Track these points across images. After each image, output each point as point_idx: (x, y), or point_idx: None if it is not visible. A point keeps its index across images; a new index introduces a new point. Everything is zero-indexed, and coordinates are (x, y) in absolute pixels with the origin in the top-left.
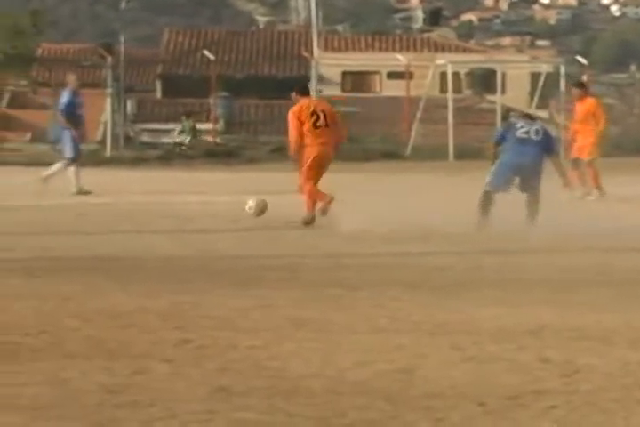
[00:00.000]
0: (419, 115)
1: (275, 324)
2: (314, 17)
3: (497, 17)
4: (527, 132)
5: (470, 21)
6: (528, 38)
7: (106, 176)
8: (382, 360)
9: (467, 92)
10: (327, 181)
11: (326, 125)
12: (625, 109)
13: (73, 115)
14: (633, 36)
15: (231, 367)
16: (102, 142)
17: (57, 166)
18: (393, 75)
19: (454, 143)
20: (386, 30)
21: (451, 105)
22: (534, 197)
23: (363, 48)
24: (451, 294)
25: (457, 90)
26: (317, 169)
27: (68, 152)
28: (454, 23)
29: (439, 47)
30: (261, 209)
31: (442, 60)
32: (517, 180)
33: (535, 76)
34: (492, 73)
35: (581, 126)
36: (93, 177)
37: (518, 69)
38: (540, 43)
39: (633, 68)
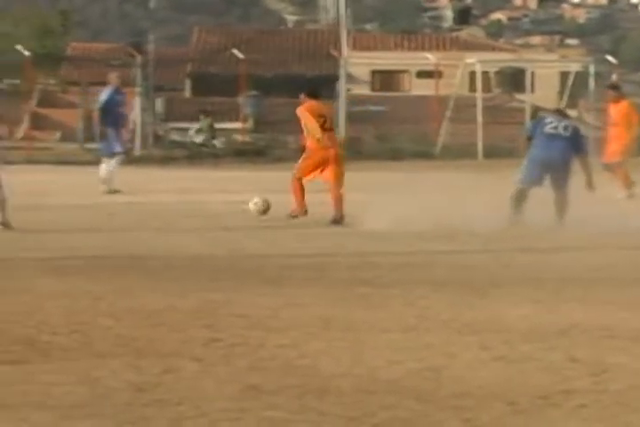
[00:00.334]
0: (448, 114)
1: (304, 323)
2: (343, 16)
3: (526, 16)
4: (556, 128)
5: (499, 20)
6: (557, 37)
7: (135, 175)
8: (412, 359)
9: (496, 91)
10: (357, 180)
11: (330, 129)
12: None
13: (112, 112)
14: None
15: (261, 366)
16: (131, 141)
17: (111, 165)
18: (422, 74)
19: (483, 142)
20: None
21: (480, 104)
22: (562, 194)
23: (392, 47)
24: (480, 292)
25: (486, 89)
26: (314, 167)
27: (117, 147)
28: (483, 22)
29: (468, 46)
30: (265, 208)
31: (471, 59)
32: (547, 176)
33: (564, 76)
34: (521, 72)
35: (616, 129)
36: (123, 176)
37: (547, 68)
38: (570, 42)
39: None
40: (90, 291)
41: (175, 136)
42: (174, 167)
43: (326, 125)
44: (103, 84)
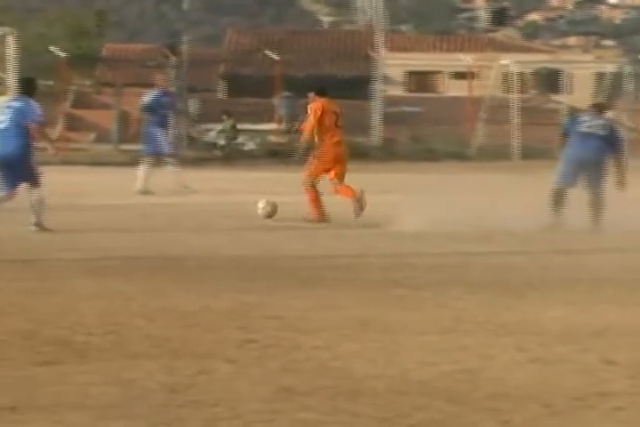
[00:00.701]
0: (483, 115)
1: (338, 324)
2: (379, 17)
3: (562, 17)
4: (591, 127)
5: (535, 21)
6: (593, 38)
7: (169, 176)
8: (446, 361)
9: (532, 92)
10: (392, 181)
11: (341, 126)
12: None
13: (158, 114)
14: None
15: (294, 368)
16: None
17: (170, 169)
18: (457, 75)
19: (519, 143)
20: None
21: (516, 105)
22: (597, 194)
23: (427, 48)
24: (516, 294)
25: (522, 90)
26: (330, 165)
27: (165, 149)
28: (519, 23)
29: (504, 47)
30: (271, 211)
31: (506, 60)
32: (582, 176)
33: (600, 77)
34: (557, 73)
35: None
36: (156, 177)
37: (583, 69)
38: (606, 43)
39: None
40: (124, 292)
41: (209, 137)
42: (208, 168)
43: (339, 123)
44: (138, 85)
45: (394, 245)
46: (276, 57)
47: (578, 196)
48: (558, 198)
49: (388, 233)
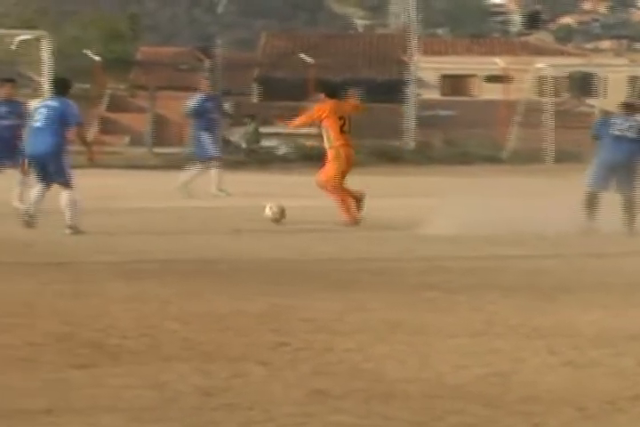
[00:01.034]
0: (517, 118)
1: (371, 327)
2: (413, 20)
3: (596, 20)
4: (622, 130)
5: (568, 25)
6: (626, 42)
7: (204, 179)
8: (479, 364)
9: (565, 95)
10: (426, 184)
11: (349, 131)
12: None
13: (204, 118)
14: None
15: (327, 370)
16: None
17: (214, 173)
18: (491, 78)
19: (553, 147)
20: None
21: (550, 108)
22: (630, 197)
23: (461, 51)
24: (549, 297)
25: (556, 93)
26: (345, 165)
27: (212, 152)
28: (552, 27)
29: (538, 51)
30: (279, 216)
31: (540, 63)
32: (614, 179)
33: (633, 80)
34: (590, 76)
35: None
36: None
37: (617, 73)
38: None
39: None
40: (159, 295)
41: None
42: (244, 172)
43: (345, 128)
44: (171, 88)
45: (429, 249)
46: (310, 60)
47: (611, 199)
48: (591, 202)
49: (424, 236)
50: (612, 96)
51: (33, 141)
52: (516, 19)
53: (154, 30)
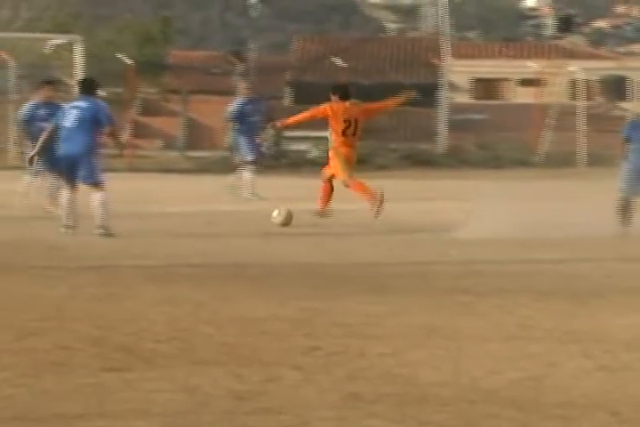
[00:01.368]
0: (549, 122)
1: (405, 331)
2: (445, 24)
3: (629, 24)
4: None
5: (601, 28)
6: None
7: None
8: (513, 368)
9: (598, 99)
10: (459, 188)
11: (353, 134)
12: None
13: (244, 122)
14: None
15: (361, 375)
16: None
17: (245, 176)
18: (524, 82)
19: (585, 151)
20: (517, 37)
21: (583, 112)
22: None
23: (493, 55)
24: (583, 301)
25: (589, 97)
26: (350, 164)
27: (249, 156)
28: (586, 30)
29: (570, 54)
30: (287, 220)
31: (573, 67)
32: None
33: None
34: (624, 80)
35: None
36: (223, 183)
37: None
38: None
39: None
40: (191, 298)
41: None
42: (275, 176)
43: (348, 131)
44: (203, 92)
45: (464, 252)
46: (342, 64)
47: None
48: (625, 207)
49: (459, 240)
50: None
51: (64, 142)
52: (550, 22)
53: (184, 34)
